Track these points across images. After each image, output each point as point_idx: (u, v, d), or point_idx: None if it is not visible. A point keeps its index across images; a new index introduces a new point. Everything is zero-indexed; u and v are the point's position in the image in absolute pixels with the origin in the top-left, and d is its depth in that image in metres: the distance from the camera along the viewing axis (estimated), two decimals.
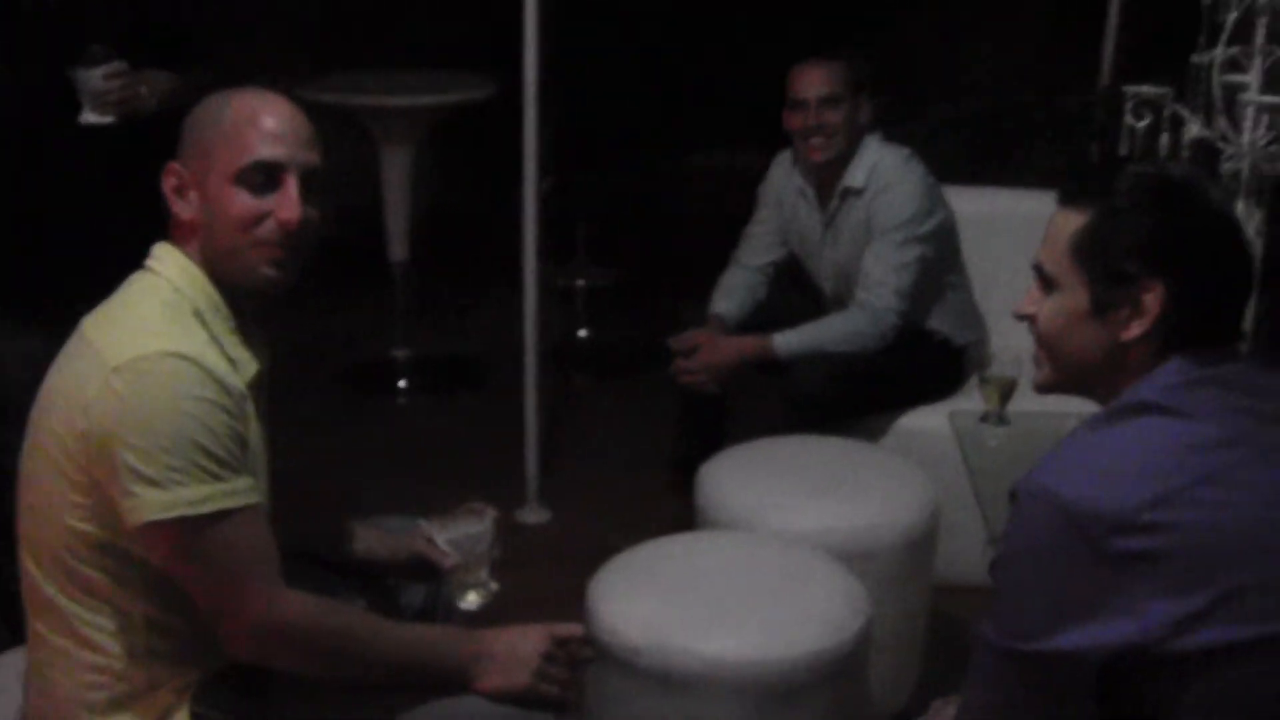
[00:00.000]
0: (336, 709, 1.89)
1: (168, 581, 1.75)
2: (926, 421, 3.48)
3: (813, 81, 3.43)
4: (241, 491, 1.72)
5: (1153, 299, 1.53)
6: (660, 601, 2.39)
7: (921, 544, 2.88)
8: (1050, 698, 1.47)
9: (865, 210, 3.47)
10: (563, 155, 4.44)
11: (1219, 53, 2.42)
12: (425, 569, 2.18)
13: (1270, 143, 2.38)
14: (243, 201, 1.78)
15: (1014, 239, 3.85)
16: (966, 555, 3.24)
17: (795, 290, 3.82)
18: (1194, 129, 2.45)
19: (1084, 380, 1.62)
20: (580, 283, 5.21)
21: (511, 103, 3.61)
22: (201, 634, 1.80)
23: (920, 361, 3.56)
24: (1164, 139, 2.50)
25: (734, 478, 2.95)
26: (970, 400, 3.36)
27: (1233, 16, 2.40)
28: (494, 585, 2.17)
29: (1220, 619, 1.36)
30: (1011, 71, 5.24)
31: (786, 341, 3.41)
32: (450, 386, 4.84)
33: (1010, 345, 3.02)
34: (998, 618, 1.50)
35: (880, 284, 3.40)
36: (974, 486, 2.72)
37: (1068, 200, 1.61)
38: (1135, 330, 1.54)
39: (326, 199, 1.87)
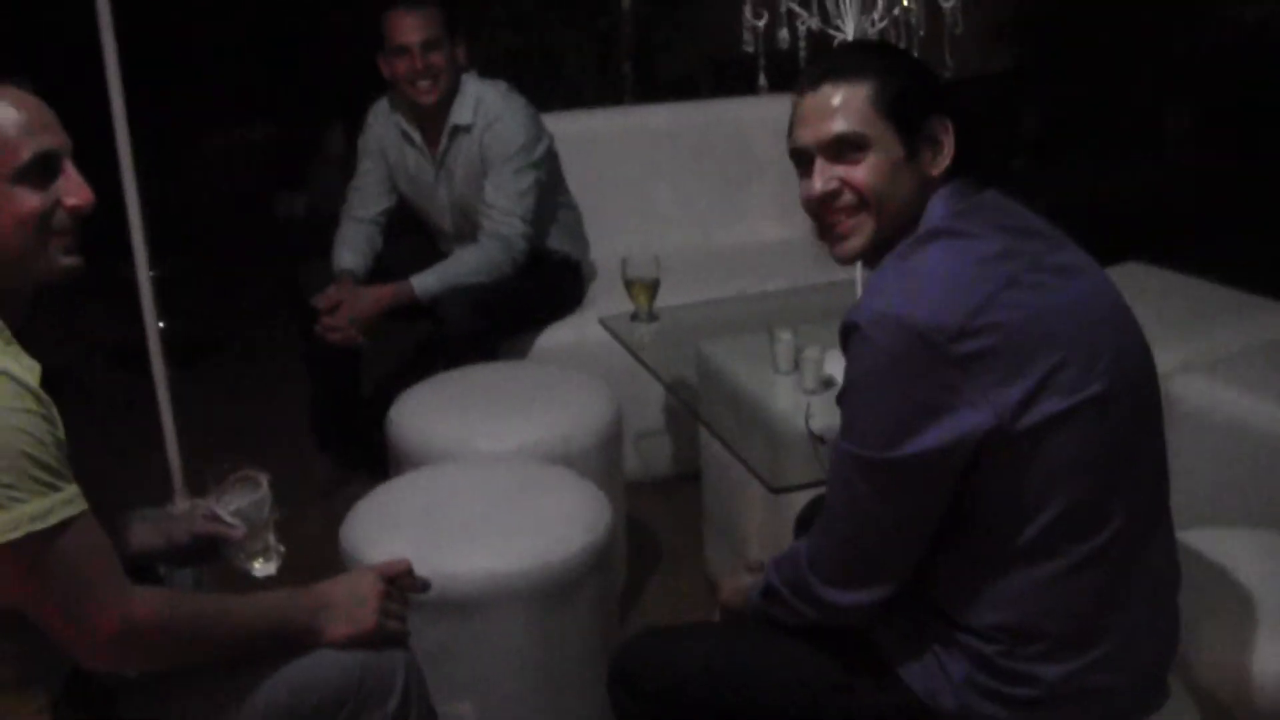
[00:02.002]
0: (185, 710, 1.86)
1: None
2: (561, 337, 3.71)
3: (414, 26, 3.50)
4: (76, 498, 1.66)
5: (947, 135, 1.80)
6: (420, 534, 2.46)
7: (613, 443, 3.09)
8: (918, 490, 1.68)
9: (477, 144, 3.60)
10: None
11: None
12: (206, 548, 2.15)
13: (880, 20, 2.70)
14: (30, 199, 1.70)
15: (602, 157, 4.14)
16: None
17: (409, 234, 3.90)
18: (810, 21, 2.73)
19: (899, 224, 1.80)
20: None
21: None
22: (42, 655, 1.74)
23: (548, 281, 3.76)
24: (783, 33, 2.76)
25: (431, 414, 3.04)
26: (598, 310, 3.59)
27: None
28: (281, 548, 2.18)
29: (1048, 394, 1.63)
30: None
31: (425, 283, 3.50)
32: None
33: (648, 249, 3.26)
34: (862, 436, 1.69)
35: (506, 212, 3.55)
36: (657, 376, 2.96)
37: (839, 75, 1.81)
38: (942, 164, 1.80)
39: None
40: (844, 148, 1.80)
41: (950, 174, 1.81)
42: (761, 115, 4.37)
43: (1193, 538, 2.30)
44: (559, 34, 5.29)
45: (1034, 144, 7.02)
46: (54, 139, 1.73)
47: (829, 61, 1.88)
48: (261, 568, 2.15)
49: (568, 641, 2.47)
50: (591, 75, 5.16)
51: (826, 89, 1.81)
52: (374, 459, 3.78)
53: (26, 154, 1.69)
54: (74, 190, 1.73)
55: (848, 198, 1.81)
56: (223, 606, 1.85)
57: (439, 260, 3.63)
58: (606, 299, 3.69)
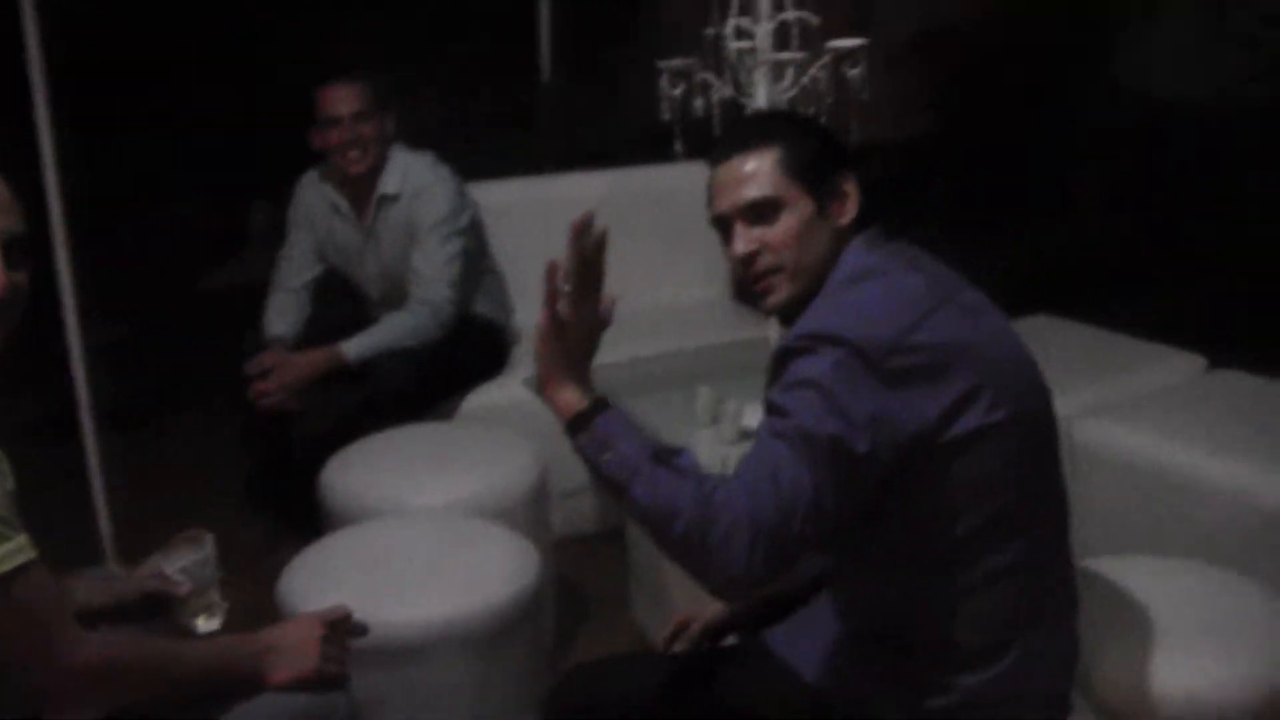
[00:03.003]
0: None
1: None
2: (488, 398, 3.80)
3: (344, 99, 3.62)
4: (27, 546, 1.71)
5: (851, 186, 1.95)
6: (356, 586, 2.52)
7: (541, 498, 3.18)
8: (854, 480, 1.72)
9: (405, 214, 3.71)
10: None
11: (730, 24, 2.86)
12: (153, 605, 2.21)
13: (789, 89, 2.84)
14: None
15: (526, 224, 4.25)
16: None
17: (338, 301, 3.99)
18: (724, 90, 2.87)
19: (818, 277, 1.93)
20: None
21: None
22: (5, 700, 1.79)
23: (474, 344, 3.86)
24: (699, 102, 2.90)
25: (364, 472, 3.12)
26: (523, 372, 3.70)
27: None
28: (225, 604, 2.25)
29: (966, 411, 1.75)
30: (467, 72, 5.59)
31: (357, 347, 3.59)
32: None
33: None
34: (803, 417, 1.70)
35: (433, 279, 3.66)
36: None
37: (746, 146, 1.95)
38: (849, 213, 1.94)
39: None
40: (759, 211, 1.94)
41: (859, 225, 1.95)
42: (679, 181, 4.50)
43: (1094, 565, 2.43)
44: (480, 106, 5.42)
45: (947, 208, 7.23)
46: None
47: (735, 134, 2.03)
48: (205, 624, 2.21)
49: (501, 688, 2.55)
50: (512, 147, 5.28)
51: (736, 160, 1.96)
52: (308, 523, 3.84)
53: None
54: None
55: (767, 258, 1.94)
56: (173, 650, 1.91)
57: (368, 326, 3.72)
58: (531, 361, 3.77)
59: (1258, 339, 4.19)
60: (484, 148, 5.27)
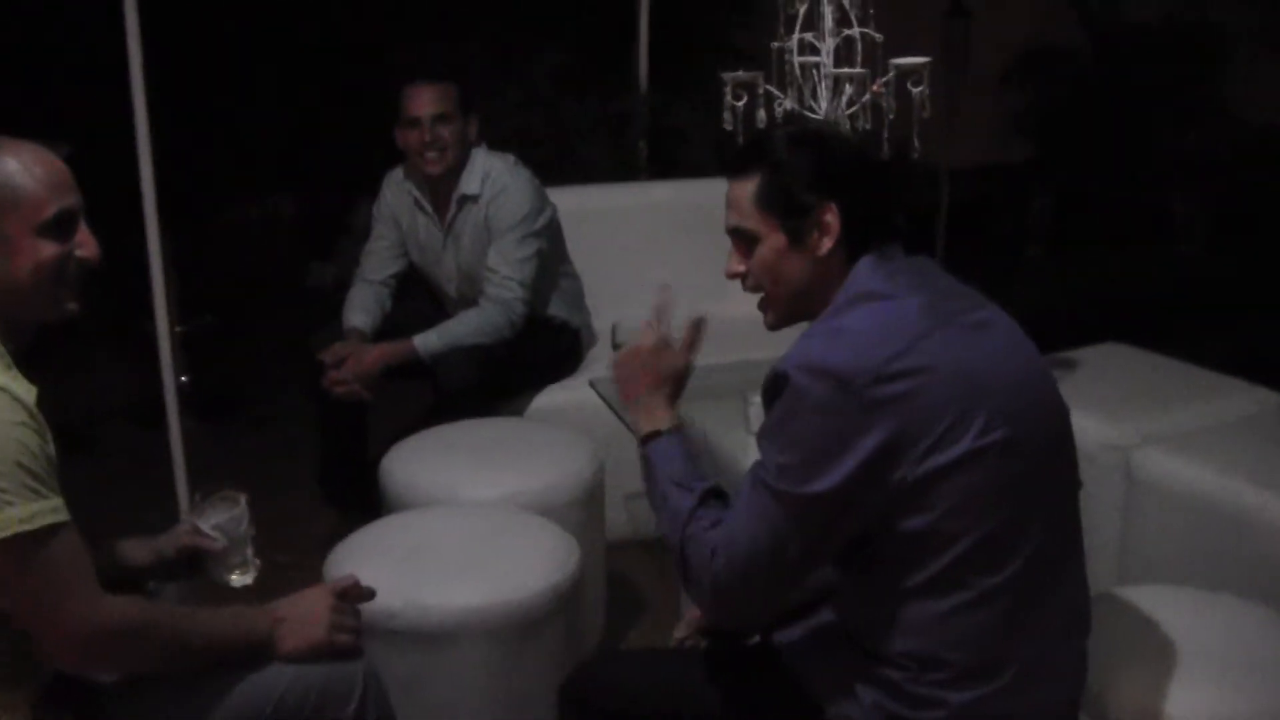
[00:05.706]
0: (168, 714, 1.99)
1: None
2: (557, 399, 3.87)
3: (426, 101, 3.71)
4: (61, 509, 1.81)
5: (831, 216, 1.93)
6: (401, 567, 2.61)
7: (594, 496, 3.23)
8: (823, 524, 1.81)
9: (484, 213, 3.79)
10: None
11: (795, 38, 2.90)
12: (190, 562, 2.30)
13: (850, 106, 2.88)
14: (49, 249, 1.88)
15: (605, 228, 4.32)
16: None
17: (417, 297, 4.08)
18: (786, 103, 2.91)
19: (804, 303, 1.97)
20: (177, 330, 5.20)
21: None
22: (23, 653, 1.88)
23: (545, 345, 3.93)
24: (760, 114, 2.94)
25: (422, 462, 3.20)
26: (594, 375, 3.75)
27: (803, 8, 2.89)
28: (258, 561, 2.34)
29: (957, 436, 1.76)
30: (563, 81, 5.68)
31: (427, 342, 3.67)
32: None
33: (637, 316, 3.41)
34: (782, 472, 1.81)
35: (507, 278, 3.73)
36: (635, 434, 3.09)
37: (736, 172, 1.97)
38: (827, 245, 1.93)
39: None
40: (739, 239, 1.99)
41: (858, 247, 1.94)
42: None
43: (1129, 592, 2.43)
44: (574, 116, 5.50)
45: (1047, 231, 7.20)
46: (74, 198, 1.93)
47: (734, 155, 2.05)
48: (239, 579, 2.31)
49: (531, 677, 2.60)
50: (604, 156, 5.35)
51: (730, 182, 2.00)
52: (377, 515, 3.93)
53: (51, 210, 1.88)
54: (87, 245, 1.94)
55: (750, 282, 2.00)
56: (188, 618, 2.00)
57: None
58: (602, 365, 3.84)
59: None
60: (576, 156, 5.38)
